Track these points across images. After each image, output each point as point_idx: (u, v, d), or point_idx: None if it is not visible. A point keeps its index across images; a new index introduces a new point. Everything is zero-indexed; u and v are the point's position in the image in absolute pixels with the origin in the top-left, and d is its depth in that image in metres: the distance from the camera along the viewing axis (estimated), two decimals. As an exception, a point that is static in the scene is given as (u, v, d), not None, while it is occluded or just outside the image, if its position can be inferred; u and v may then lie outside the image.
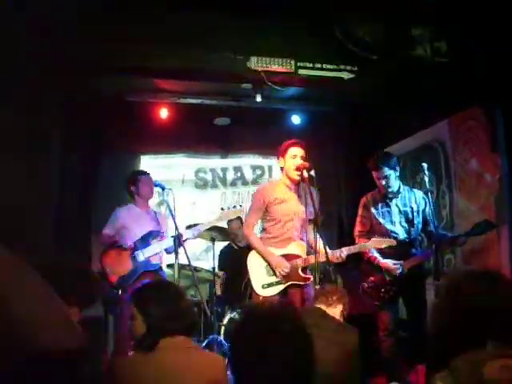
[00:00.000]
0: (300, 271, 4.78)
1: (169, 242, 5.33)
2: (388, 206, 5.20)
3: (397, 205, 5.17)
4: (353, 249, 4.86)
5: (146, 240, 5.36)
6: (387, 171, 5.03)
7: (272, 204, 4.89)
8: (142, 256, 5.30)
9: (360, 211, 5.35)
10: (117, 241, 5.43)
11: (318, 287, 4.29)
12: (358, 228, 5.34)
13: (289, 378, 1.66)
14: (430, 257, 5.30)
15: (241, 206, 5.83)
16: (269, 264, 4.83)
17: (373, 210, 5.24)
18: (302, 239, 4.97)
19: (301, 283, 4.81)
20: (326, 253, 4.47)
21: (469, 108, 5.92)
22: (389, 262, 5.07)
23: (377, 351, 5.08)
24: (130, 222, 5.56)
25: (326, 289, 3.70)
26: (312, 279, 4.67)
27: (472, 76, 5.24)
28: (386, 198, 5.20)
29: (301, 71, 5.01)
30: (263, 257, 4.88)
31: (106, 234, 5.56)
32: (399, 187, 5.19)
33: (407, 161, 7.02)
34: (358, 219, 5.36)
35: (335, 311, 3.51)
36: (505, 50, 5.02)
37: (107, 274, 5.20)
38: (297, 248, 4.90)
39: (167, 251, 5.39)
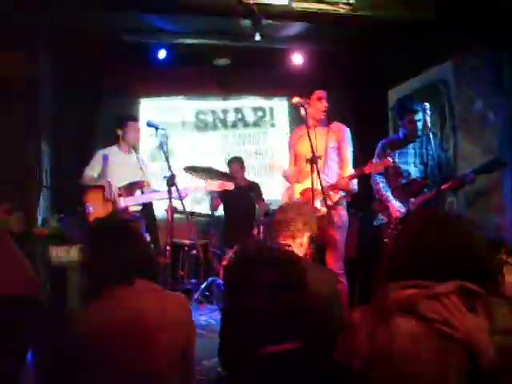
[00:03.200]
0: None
1: (153, 197, 5.52)
2: (405, 147, 5.25)
3: (413, 147, 5.22)
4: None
5: (129, 188, 5.36)
6: (420, 115, 5.06)
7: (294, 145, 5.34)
8: (122, 203, 5.29)
9: (376, 152, 5.42)
10: (101, 184, 5.37)
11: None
12: None
13: (277, 310, 1.64)
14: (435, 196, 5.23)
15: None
16: None
17: (389, 151, 5.28)
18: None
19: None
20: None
21: (474, 47, 5.73)
22: (395, 205, 5.11)
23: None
24: (113, 164, 5.51)
25: (287, 217, 3.21)
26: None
27: (477, 12, 5.05)
28: (404, 142, 5.26)
29: (295, 4, 4.81)
30: None
31: (87, 175, 5.48)
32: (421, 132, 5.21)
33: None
34: (374, 159, 5.38)
35: (303, 241, 3.25)
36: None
37: (88, 212, 5.19)
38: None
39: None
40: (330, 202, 4.89)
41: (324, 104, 5.17)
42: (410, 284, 1.75)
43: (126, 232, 2.41)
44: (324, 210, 4.93)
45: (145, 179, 5.56)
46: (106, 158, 5.55)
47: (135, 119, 5.81)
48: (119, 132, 5.62)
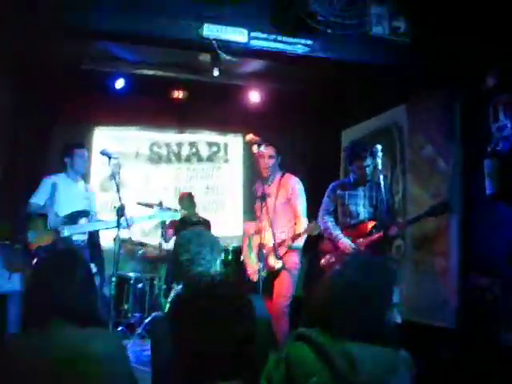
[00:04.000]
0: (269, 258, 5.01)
1: (97, 226, 5.47)
2: (355, 190, 5.31)
3: (363, 190, 5.28)
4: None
5: (74, 217, 5.28)
6: (369, 161, 5.12)
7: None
8: (66, 232, 5.17)
9: (327, 193, 5.49)
10: (44, 212, 5.24)
11: None
12: (322, 208, 5.47)
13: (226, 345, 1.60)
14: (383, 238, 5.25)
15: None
16: None
17: (339, 191, 5.38)
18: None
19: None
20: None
21: (427, 93, 5.86)
22: (346, 242, 5.13)
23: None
24: (60, 192, 5.41)
25: (192, 253, 2.88)
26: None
27: (430, 59, 5.17)
28: (354, 185, 5.33)
29: (253, 42, 4.84)
30: None
31: (33, 204, 5.33)
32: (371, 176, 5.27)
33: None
34: (324, 200, 5.47)
35: (216, 268, 2.94)
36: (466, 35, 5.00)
37: (28, 241, 5.05)
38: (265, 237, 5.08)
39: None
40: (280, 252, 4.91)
41: (265, 161, 5.20)
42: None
43: (69, 264, 2.29)
44: (279, 264, 4.91)
45: (91, 208, 5.47)
46: (54, 185, 5.44)
47: (82, 146, 5.76)
48: (67, 160, 5.56)
